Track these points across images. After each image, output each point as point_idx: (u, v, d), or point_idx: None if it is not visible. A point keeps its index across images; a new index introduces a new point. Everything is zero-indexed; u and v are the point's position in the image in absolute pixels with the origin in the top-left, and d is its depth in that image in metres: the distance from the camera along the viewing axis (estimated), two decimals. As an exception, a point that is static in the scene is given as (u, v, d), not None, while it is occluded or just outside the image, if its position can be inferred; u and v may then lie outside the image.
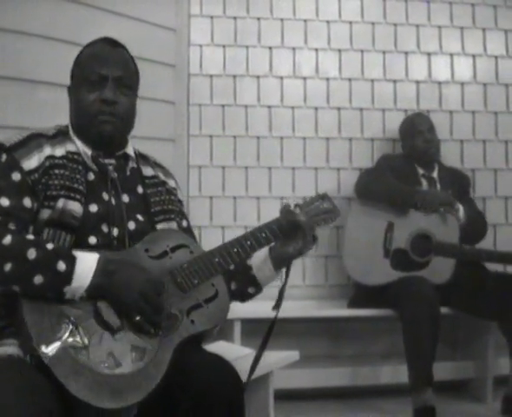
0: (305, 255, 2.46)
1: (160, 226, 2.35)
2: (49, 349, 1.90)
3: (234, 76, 4.72)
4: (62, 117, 3.34)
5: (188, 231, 2.52)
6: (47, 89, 3.64)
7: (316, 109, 4.81)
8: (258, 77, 4.75)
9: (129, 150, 2.39)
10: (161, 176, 2.49)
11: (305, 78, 4.80)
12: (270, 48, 4.77)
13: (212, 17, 4.70)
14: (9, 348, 1.99)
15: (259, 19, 4.75)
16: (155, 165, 2.51)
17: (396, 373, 4.38)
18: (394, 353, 4.54)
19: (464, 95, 4.99)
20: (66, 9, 3.78)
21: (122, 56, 2.37)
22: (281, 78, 4.78)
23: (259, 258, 2.43)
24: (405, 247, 4.26)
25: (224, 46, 4.71)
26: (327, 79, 4.83)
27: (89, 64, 2.30)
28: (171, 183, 2.52)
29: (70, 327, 1.96)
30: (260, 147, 4.74)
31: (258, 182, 4.73)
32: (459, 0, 4.96)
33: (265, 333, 2.48)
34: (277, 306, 2.48)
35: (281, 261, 2.44)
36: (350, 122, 4.85)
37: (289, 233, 2.38)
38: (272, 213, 4.58)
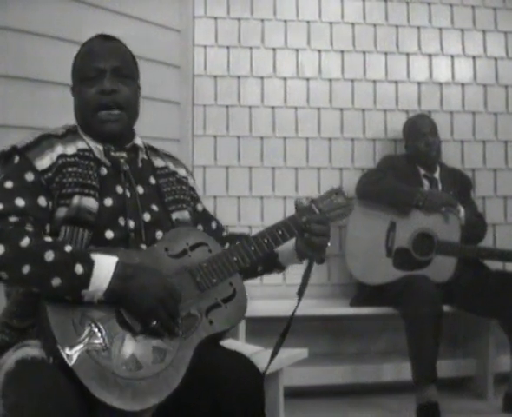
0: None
1: (174, 215, 2.37)
2: (73, 352, 1.90)
3: (238, 77, 4.75)
4: (66, 117, 3.36)
5: (205, 214, 2.57)
6: (50, 88, 3.64)
7: (319, 109, 4.84)
8: (261, 78, 4.78)
9: (138, 141, 2.40)
10: (171, 166, 2.51)
11: (307, 79, 4.83)
12: (273, 49, 4.80)
13: (216, 18, 4.72)
14: (33, 350, 1.99)
15: (262, 20, 4.78)
16: (165, 156, 2.53)
17: (398, 370, 4.44)
18: (396, 350, 4.60)
19: (465, 95, 5.02)
20: (70, 8, 3.77)
21: (117, 47, 2.39)
22: (284, 79, 4.81)
23: (286, 247, 2.46)
24: (407, 246, 4.31)
25: (228, 47, 4.74)
26: (330, 80, 4.86)
27: (85, 61, 2.32)
28: (181, 172, 2.53)
29: (93, 328, 1.97)
30: (264, 147, 4.77)
31: (261, 182, 4.76)
32: (460, 2, 4.99)
33: (286, 323, 2.52)
34: (300, 291, 2.50)
35: (304, 255, 2.48)
36: (352, 122, 4.88)
37: (305, 231, 2.40)
38: (275, 212, 4.67)
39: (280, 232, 2.37)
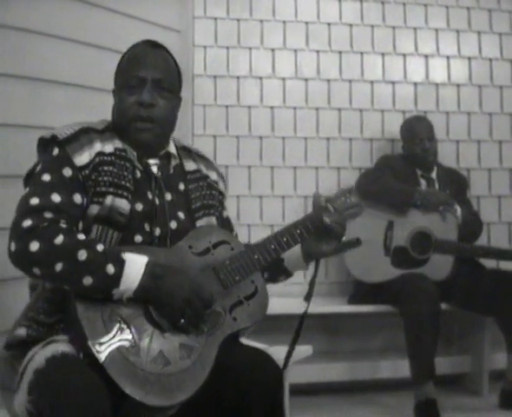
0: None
1: (200, 222, 2.37)
2: (103, 348, 1.94)
3: (238, 77, 4.78)
4: (66, 116, 3.36)
5: (228, 222, 2.58)
6: (50, 87, 3.65)
7: (317, 109, 4.88)
8: (260, 78, 4.81)
9: (171, 149, 2.40)
10: (203, 170, 2.50)
11: (306, 79, 4.87)
12: (272, 49, 4.83)
13: (215, 19, 4.74)
14: (61, 345, 2.01)
15: (261, 21, 4.81)
16: (198, 157, 2.52)
17: (394, 367, 4.49)
18: (393, 348, 4.65)
19: (460, 96, 5.08)
20: (70, 7, 3.75)
21: (162, 57, 2.37)
22: (283, 79, 4.84)
23: (292, 251, 2.46)
24: (405, 244, 4.35)
25: (227, 47, 4.76)
26: (328, 80, 4.90)
27: (129, 67, 2.32)
28: (212, 176, 2.53)
29: (122, 326, 2.01)
30: (263, 146, 4.80)
31: (260, 181, 4.79)
32: (455, 3, 5.04)
33: (297, 323, 2.55)
34: (308, 297, 2.54)
35: (312, 257, 2.50)
36: (350, 122, 4.92)
37: (321, 230, 2.42)
38: (274, 211, 4.71)
39: (299, 231, 2.39)
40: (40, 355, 1.99)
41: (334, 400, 4.41)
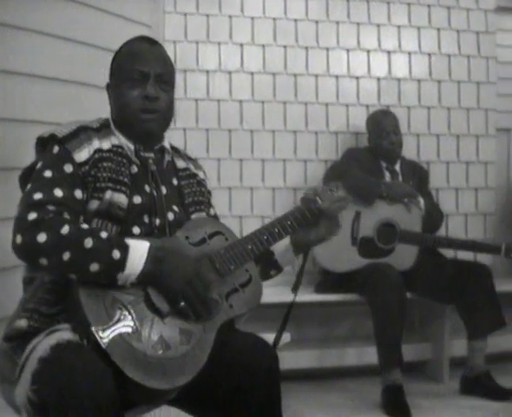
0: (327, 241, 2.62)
1: (193, 216, 2.46)
2: (106, 334, 1.98)
3: (207, 72, 4.85)
4: (62, 112, 3.38)
5: (216, 218, 2.63)
6: (47, 84, 3.67)
7: (284, 103, 4.98)
8: (229, 73, 4.89)
9: (166, 144, 2.48)
10: (192, 169, 2.58)
11: (274, 74, 4.96)
12: (241, 44, 4.91)
13: (185, 14, 4.80)
14: (65, 333, 2.04)
15: (230, 17, 4.89)
16: (186, 158, 2.61)
17: (360, 354, 4.61)
18: (358, 335, 4.79)
19: (421, 91, 5.23)
20: (50, 3, 3.75)
21: (161, 53, 2.45)
22: (251, 74, 4.92)
23: (281, 244, 2.55)
24: (372, 235, 4.46)
25: (197, 42, 4.83)
26: (295, 75, 5.00)
27: (130, 62, 2.37)
28: (200, 175, 2.61)
29: (124, 312, 2.05)
30: (232, 139, 4.89)
31: (229, 173, 4.87)
32: (416, 1, 5.19)
33: (284, 314, 2.68)
34: (295, 288, 2.67)
35: (301, 247, 2.59)
36: (316, 116, 5.03)
37: (311, 221, 2.53)
38: (243, 202, 4.78)
39: (289, 222, 2.48)
40: (44, 344, 2.02)
41: (302, 387, 4.50)
